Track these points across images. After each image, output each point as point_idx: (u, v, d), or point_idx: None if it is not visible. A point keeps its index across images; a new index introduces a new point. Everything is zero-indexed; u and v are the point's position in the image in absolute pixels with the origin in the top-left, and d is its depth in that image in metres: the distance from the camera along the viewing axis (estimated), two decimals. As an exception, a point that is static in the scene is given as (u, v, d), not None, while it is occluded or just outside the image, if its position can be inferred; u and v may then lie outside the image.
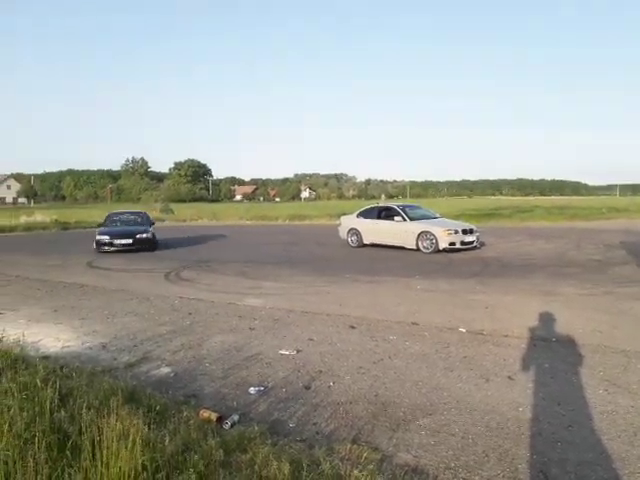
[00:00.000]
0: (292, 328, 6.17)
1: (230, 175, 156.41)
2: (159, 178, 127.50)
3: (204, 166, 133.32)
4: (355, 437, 3.30)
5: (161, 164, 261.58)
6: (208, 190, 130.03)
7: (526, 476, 2.81)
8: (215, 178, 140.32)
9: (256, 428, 3.28)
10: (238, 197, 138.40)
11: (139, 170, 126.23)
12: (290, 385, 4.27)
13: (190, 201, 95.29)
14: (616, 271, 10.32)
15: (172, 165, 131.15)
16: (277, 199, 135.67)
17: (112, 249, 15.25)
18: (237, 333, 5.98)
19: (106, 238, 15.37)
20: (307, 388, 4.21)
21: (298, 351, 5.20)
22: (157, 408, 3.47)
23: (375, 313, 6.88)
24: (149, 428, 3.03)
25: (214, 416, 3.49)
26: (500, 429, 3.39)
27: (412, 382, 4.28)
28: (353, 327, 6.15)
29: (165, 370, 4.74)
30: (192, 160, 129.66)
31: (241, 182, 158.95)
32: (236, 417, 3.54)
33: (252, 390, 4.15)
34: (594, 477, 2.79)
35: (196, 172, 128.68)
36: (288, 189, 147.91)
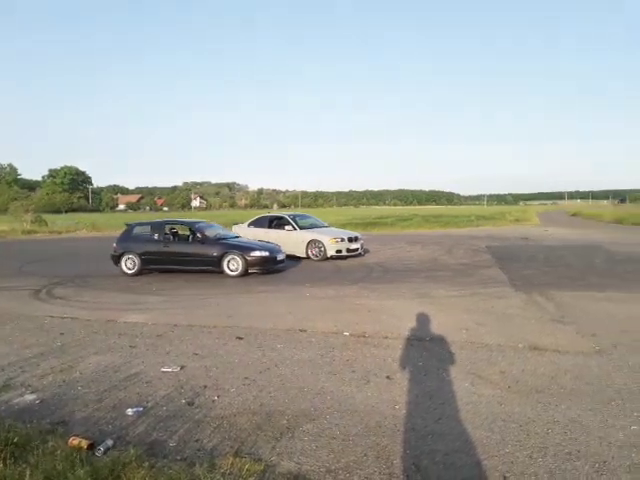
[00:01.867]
0: (176, 343, 5.94)
1: (113, 183, 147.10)
2: (31, 187, 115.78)
3: (83, 173, 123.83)
4: (238, 450, 3.25)
5: (33, 171, 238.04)
6: (88, 199, 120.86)
7: (400, 470, 2.98)
8: (95, 186, 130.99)
9: (132, 451, 3.09)
10: (121, 207, 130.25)
11: (6, 178, 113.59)
12: (172, 403, 4.10)
13: (67, 211, 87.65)
14: (482, 273, 11.42)
15: (46, 172, 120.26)
16: (165, 208, 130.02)
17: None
18: (115, 352, 5.60)
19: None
20: (190, 404, 4.07)
21: (182, 367, 5.01)
22: (16, 440, 3.13)
23: (264, 323, 6.87)
24: (4, 464, 2.72)
25: (85, 443, 3.23)
26: (378, 428, 3.56)
27: (297, 389, 4.34)
28: (240, 338, 6.08)
29: (30, 397, 4.28)
30: (69, 167, 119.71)
31: (125, 191, 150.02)
32: (110, 442, 3.32)
33: (129, 411, 3.91)
34: (459, 464, 3.04)
35: (74, 180, 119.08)
36: (177, 198, 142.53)
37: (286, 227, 15.02)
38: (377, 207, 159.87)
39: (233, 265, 11.60)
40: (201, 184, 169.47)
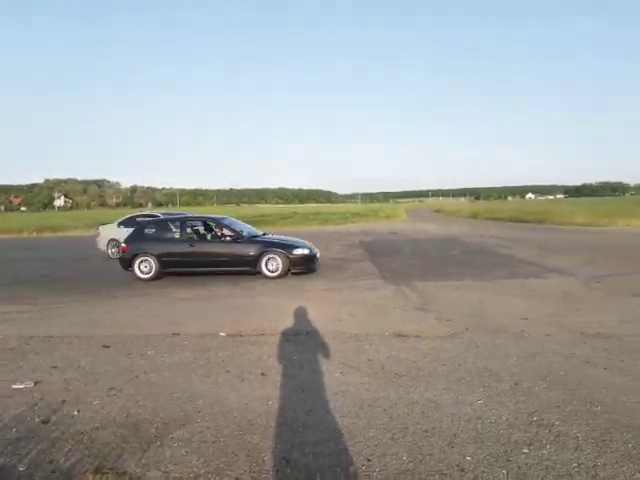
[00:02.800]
0: (31, 357, 5.37)
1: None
2: None
3: None
4: (99, 466, 3.04)
5: None
6: None
7: (270, 465, 3.02)
8: None
9: (-31, 484, 2.74)
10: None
11: None
12: (23, 423, 3.70)
13: None
14: (355, 267, 12.00)
15: None
16: (23, 208, 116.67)
17: None
18: (-47, 372, 4.90)
19: None
20: (45, 422, 3.71)
21: (37, 382, 4.54)
22: None
23: (133, 329, 6.49)
24: None
25: None
26: (251, 426, 3.56)
27: (167, 395, 4.17)
28: (107, 346, 5.68)
29: None
30: None
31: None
32: (-57, 476, 2.90)
33: (-31, 439, 3.46)
34: (327, 452, 3.16)
35: None
36: (37, 197, 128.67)
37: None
38: (260, 205, 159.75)
39: (272, 265, 10.54)
40: (65, 181, 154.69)
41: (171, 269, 10.93)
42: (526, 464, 2.92)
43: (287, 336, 5.91)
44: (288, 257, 10.49)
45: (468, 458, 3.01)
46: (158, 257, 10.74)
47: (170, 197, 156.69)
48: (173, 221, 11.91)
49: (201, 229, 12.20)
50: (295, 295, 8.53)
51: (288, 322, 6.55)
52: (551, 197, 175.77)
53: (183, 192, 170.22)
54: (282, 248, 10.61)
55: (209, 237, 11.64)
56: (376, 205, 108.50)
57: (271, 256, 10.52)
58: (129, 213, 18.59)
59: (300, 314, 6.94)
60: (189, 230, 11.58)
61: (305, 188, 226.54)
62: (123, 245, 11.21)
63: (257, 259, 10.54)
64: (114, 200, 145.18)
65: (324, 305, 7.67)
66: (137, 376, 4.67)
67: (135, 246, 10.96)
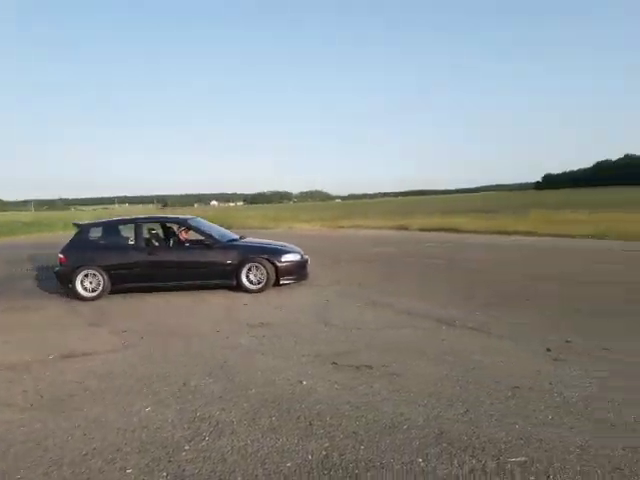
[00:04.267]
0: None
1: None
2: None
3: None
4: None
5: None
6: None
7: None
8: None
9: None
10: None
11: None
12: None
13: None
14: (18, 285, 10.32)
15: None
16: None
17: None
18: None
19: None
20: None
21: None
22: None
23: None
24: None
25: None
26: None
27: None
28: None
29: None
30: None
31: None
32: None
33: None
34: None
35: None
36: None
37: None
38: None
39: (255, 276, 8.61)
40: None
41: (124, 285, 8.73)
42: (186, 460, 3.07)
43: None
44: (276, 265, 8.67)
45: (129, 470, 2.96)
46: (107, 270, 8.57)
47: None
48: (126, 223, 9.62)
49: (162, 233, 9.98)
50: None
51: None
52: (232, 204, 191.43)
53: None
54: (268, 254, 8.80)
55: (172, 243, 9.50)
56: (55, 213, 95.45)
57: (253, 264, 8.64)
58: None
59: None
60: (147, 235, 9.33)
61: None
62: (60, 255, 8.84)
63: (236, 269, 8.63)
64: None
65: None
66: None
67: (76, 256, 8.78)
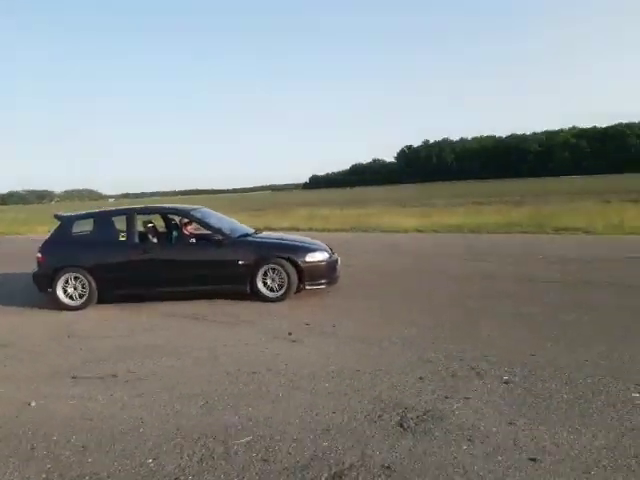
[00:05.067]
0: None
1: None
2: None
3: None
4: None
5: None
6: None
7: None
8: None
9: None
10: None
11: None
12: None
13: None
14: None
15: None
16: None
17: None
18: None
19: None
20: None
21: None
22: None
23: None
24: None
25: None
26: None
27: None
28: None
29: None
30: None
31: None
32: None
33: None
34: None
35: None
36: None
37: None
38: None
39: (274, 280, 6.85)
40: None
41: (115, 291, 7.01)
42: None
43: None
44: (299, 266, 6.86)
45: None
46: (92, 272, 6.87)
47: None
48: (117, 215, 7.74)
49: (161, 227, 8.30)
50: None
51: None
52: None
53: None
54: (289, 252, 6.99)
55: (173, 239, 7.93)
56: None
57: (272, 266, 6.88)
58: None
59: None
60: (142, 229, 7.55)
61: None
62: (38, 255, 7.15)
63: (251, 271, 6.89)
64: None
65: None
66: None
67: (57, 255, 7.12)
